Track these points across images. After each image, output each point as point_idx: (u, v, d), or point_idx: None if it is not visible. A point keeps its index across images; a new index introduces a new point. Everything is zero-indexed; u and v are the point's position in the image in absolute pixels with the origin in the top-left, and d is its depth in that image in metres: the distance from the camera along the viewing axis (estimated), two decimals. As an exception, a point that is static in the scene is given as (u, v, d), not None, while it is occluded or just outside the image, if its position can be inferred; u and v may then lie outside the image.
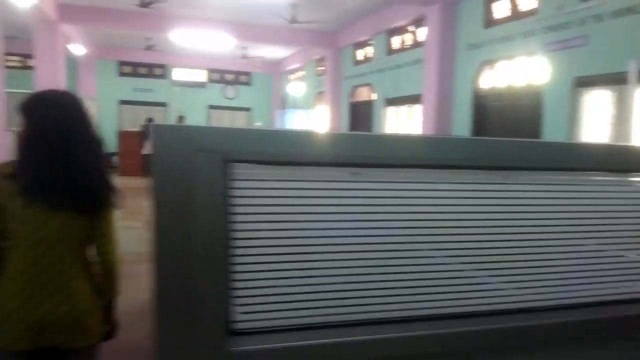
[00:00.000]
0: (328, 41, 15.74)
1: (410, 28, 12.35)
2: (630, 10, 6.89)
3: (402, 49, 12.76)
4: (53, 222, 1.88)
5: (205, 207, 1.24)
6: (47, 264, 1.89)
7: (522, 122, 8.85)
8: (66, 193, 1.89)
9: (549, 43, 8.19)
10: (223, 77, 22.99)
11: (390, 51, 13.25)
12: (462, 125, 10.23)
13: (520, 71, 8.92)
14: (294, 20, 12.45)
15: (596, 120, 7.49)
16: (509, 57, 9.12)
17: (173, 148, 1.23)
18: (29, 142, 1.90)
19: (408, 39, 12.52)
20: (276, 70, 22.60)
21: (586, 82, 7.61)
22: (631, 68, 6.75)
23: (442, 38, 10.45)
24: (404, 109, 12.60)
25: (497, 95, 9.48)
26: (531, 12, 8.64)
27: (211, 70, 22.58)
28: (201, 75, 22.56)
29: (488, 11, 9.67)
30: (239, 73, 22.99)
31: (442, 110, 10.55)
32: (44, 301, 1.87)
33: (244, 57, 18.97)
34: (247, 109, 23.33)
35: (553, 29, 8.12)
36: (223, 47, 16.55)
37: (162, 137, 1.23)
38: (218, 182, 1.26)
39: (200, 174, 1.24)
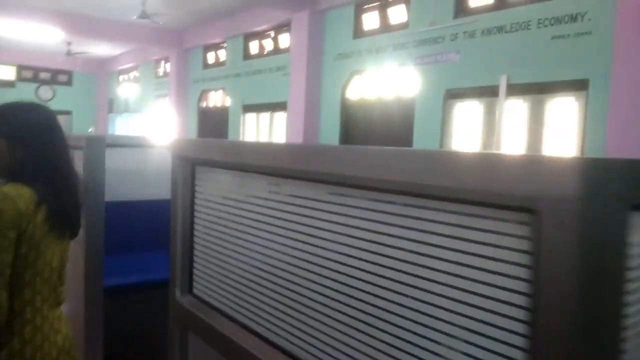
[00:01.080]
0: (173, 41, 14.68)
1: (271, 33, 12.07)
2: (500, 29, 7.56)
3: (262, 55, 12.41)
4: (60, 250, 1.81)
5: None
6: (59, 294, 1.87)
7: (393, 132, 9.17)
8: (77, 218, 1.88)
9: (421, 56, 8.61)
10: (37, 75, 20.07)
11: (248, 56, 12.80)
12: (330, 135, 10.26)
13: (391, 82, 9.24)
14: (144, 15, 11.29)
15: (467, 130, 8.07)
16: (380, 69, 9.40)
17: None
18: (30, 164, 1.74)
19: (268, 44, 12.22)
20: (102, 70, 20.46)
21: (457, 94, 8.15)
22: (501, 82, 7.39)
23: (310, 46, 10.37)
24: (265, 116, 12.25)
25: (367, 106, 9.70)
26: (403, 26, 9.01)
27: (22, 67, 19.57)
28: (9, 73, 19.41)
29: (358, 22, 9.86)
30: (57, 72, 20.29)
31: (310, 119, 10.47)
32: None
33: (69, 53, 16.75)
34: (67, 113, 20.70)
35: (425, 43, 8.56)
36: (43, 40, 14.40)
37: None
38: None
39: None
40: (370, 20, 9.64)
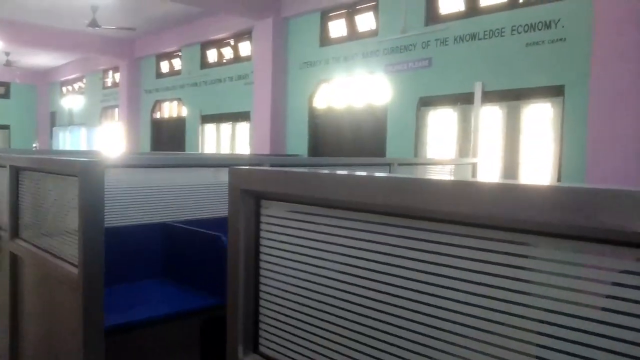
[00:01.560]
0: (123, 49, 14.02)
1: (231, 41, 11.68)
2: (473, 36, 7.53)
3: (222, 63, 12.00)
4: None
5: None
6: None
7: (365, 141, 9.01)
8: None
9: (392, 64, 8.49)
10: (-31, 87, 18.77)
11: (206, 64, 12.35)
12: (298, 146, 9.99)
13: (362, 91, 9.08)
14: (94, 24, 10.66)
15: (442, 138, 7.99)
16: (349, 77, 9.22)
17: None
18: None
19: (228, 52, 11.83)
20: (44, 81, 19.34)
21: (431, 102, 8.07)
22: (476, 89, 7.35)
23: (275, 54, 10.08)
24: (226, 126, 11.83)
25: (336, 115, 9.49)
26: (372, 33, 8.87)
27: (-48, 79, 18.27)
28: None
29: (324, 30, 9.65)
30: (-8, 83, 19.05)
31: (276, 129, 10.16)
32: None
33: (7, 64, 15.68)
34: (4, 127, 19.47)
35: (396, 51, 8.45)
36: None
37: None
38: None
39: None
40: (337, 28, 9.47)
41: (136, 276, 3.10)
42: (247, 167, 1.61)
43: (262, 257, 1.59)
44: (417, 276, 1.02)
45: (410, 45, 8.25)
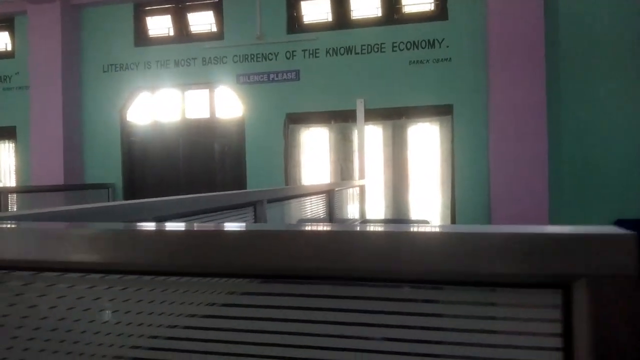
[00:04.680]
0: None
1: (-26, 29, 8.27)
2: (348, 50, 6.98)
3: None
4: None
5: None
6: None
7: (212, 166, 7.44)
8: None
9: (247, 74, 7.24)
10: None
11: None
12: (105, 172, 7.61)
13: (204, 103, 7.48)
14: None
15: (315, 158, 7.15)
16: (183, 86, 7.49)
17: None
18: None
19: (-35, 44, 8.34)
20: None
21: (301, 118, 7.15)
22: (358, 106, 6.88)
23: (65, 52, 7.52)
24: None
25: (166, 132, 7.58)
26: (214, 36, 7.41)
27: None
28: None
29: (141, 26, 7.65)
30: None
31: (71, 150, 7.55)
32: None
33: None
34: None
35: (250, 59, 7.24)
36: None
37: None
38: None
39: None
40: (159, 25, 7.64)
41: None
42: None
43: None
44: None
45: (271, 54, 7.18)
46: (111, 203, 1.67)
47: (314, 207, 4.30)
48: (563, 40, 6.32)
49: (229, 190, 7.17)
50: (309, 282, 0.71)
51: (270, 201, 3.01)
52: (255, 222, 2.82)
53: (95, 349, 0.81)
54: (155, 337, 0.79)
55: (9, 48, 8.14)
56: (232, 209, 2.59)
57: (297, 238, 0.68)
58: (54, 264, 0.80)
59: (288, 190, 3.82)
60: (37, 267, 0.82)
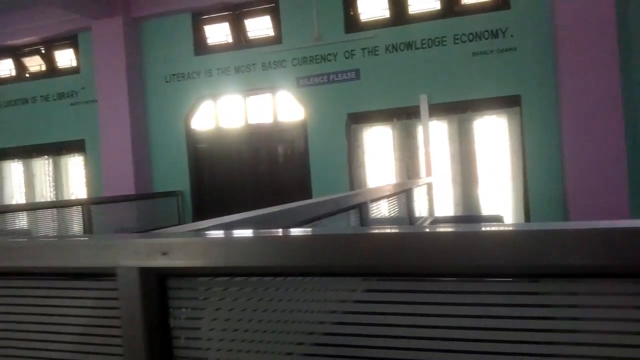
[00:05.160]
0: None
1: (41, 48, 8.61)
2: (408, 45, 6.90)
3: (23, 78, 8.76)
4: None
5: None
6: None
7: (277, 169, 7.52)
8: None
9: (307, 76, 7.26)
10: None
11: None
12: (173, 181, 7.80)
13: (267, 108, 7.56)
14: None
15: (382, 157, 7.12)
16: (245, 92, 7.59)
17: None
18: None
19: (33, 63, 8.70)
20: None
21: (363, 117, 7.12)
22: (422, 102, 6.78)
23: (130, 64, 7.73)
24: (40, 163, 8.63)
25: (230, 138, 7.70)
26: (272, 41, 7.47)
27: None
28: None
29: (200, 35, 7.78)
30: None
31: (139, 160, 7.77)
32: None
33: None
34: None
35: (310, 61, 7.26)
36: None
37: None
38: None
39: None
40: (218, 33, 7.74)
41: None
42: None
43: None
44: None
45: (330, 54, 7.18)
46: (261, 211, 1.74)
47: (396, 206, 4.31)
48: (635, 23, 6.06)
49: (293, 194, 7.24)
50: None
51: (372, 200, 3.11)
52: (362, 223, 2.88)
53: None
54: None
55: (74, 64, 8.43)
56: (341, 212, 2.66)
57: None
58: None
59: (378, 191, 3.84)
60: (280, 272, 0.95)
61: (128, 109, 7.64)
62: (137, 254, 1.10)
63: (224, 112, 7.74)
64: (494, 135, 6.69)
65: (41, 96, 8.52)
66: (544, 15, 6.31)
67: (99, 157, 7.87)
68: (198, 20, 7.76)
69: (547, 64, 6.29)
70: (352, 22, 7.16)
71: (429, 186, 6.58)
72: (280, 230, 1.10)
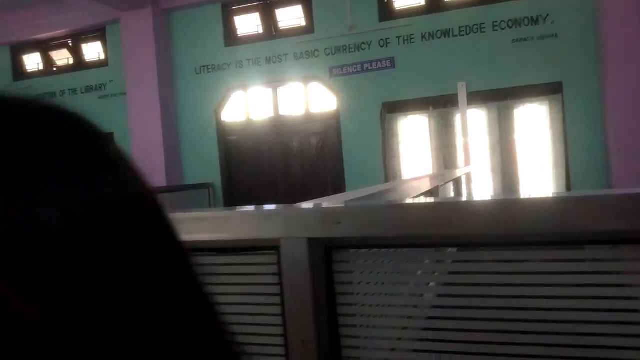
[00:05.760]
0: None
1: (69, 41, 8.56)
2: (445, 33, 6.77)
3: (51, 72, 8.72)
4: None
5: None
6: None
7: (309, 160, 7.41)
8: None
9: (340, 66, 7.15)
10: None
11: (22, 74, 8.83)
12: (204, 172, 7.71)
13: (299, 99, 7.46)
14: None
15: (417, 146, 6.99)
16: (276, 83, 7.49)
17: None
18: None
19: (61, 56, 8.66)
20: None
21: (398, 107, 7.00)
22: (460, 90, 6.65)
23: (160, 56, 7.66)
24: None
25: (262, 129, 7.61)
26: (304, 30, 7.37)
27: None
28: None
29: (230, 25, 7.69)
30: None
31: (170, 153, 7.70)
32: None
33: None
34: None
35: (343, 50, 7.14)
36: None
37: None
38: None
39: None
40: (249, 23, 7.65)
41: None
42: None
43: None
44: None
45: (364, 44, 7.06)
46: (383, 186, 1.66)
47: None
48: (681, 6, 5.89)
49: (325, 186, 7.13)
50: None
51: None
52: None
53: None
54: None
55: (102, 57, 8.38)
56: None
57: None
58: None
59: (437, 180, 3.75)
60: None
61: (158, 101, 7.57)
62: (305, 225, 1.02)
63: (255, 104, 7.65)
64: (534, 123, 6.55)
65: (69, 90, 8.48)
66: (586, 1, 6.15)
67: (129, 150, 7.78)
68: (228, 11, 7.67)
69: (589, 50, 6.13)
70: (386, 10, 7.04)
71: (468, 176, 6.46)
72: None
